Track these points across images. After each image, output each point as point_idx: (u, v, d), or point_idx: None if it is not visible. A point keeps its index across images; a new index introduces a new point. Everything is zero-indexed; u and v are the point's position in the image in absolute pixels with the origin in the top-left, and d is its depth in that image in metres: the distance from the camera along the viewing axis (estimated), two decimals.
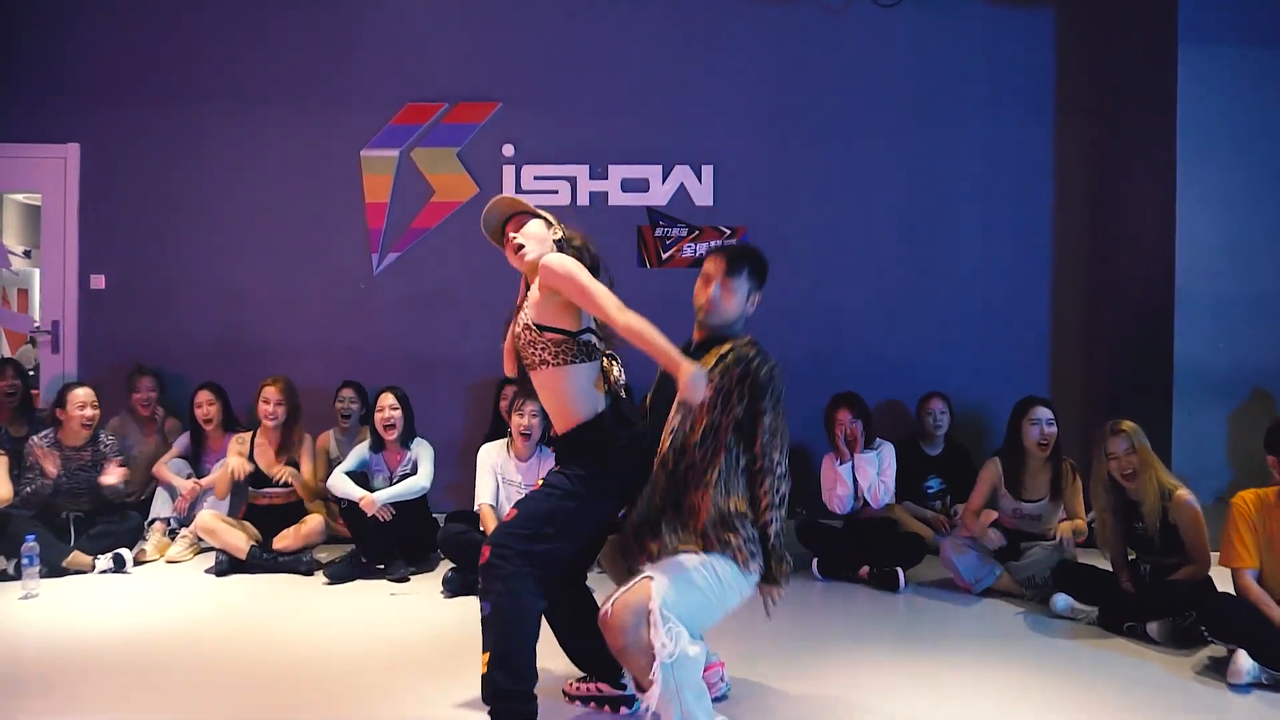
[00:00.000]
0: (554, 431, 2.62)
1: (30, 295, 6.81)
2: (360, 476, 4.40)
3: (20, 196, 6.09)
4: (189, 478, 4.78)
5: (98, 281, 5.53)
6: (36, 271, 6.43)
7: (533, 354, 2.51)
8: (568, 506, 2.44)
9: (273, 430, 4.54)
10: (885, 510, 4.41)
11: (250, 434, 4.59)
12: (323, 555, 4.49)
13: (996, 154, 5.48)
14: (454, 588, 3.97)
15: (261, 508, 4.54)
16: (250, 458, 4.51)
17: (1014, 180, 5.48)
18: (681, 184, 5.47)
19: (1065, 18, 5.45)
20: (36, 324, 5.63)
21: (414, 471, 4.42)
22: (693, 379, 2.24)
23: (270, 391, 4.53)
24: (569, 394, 2.50)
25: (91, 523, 4.37)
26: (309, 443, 4.70)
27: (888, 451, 4.40)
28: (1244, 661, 2.95)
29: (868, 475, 4.30)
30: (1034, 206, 5.49)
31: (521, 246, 2.56)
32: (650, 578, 2.31)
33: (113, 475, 4.39)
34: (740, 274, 2.61)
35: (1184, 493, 3.51)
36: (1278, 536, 3.11)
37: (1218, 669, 3.08)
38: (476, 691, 2.50)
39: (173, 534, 4.67)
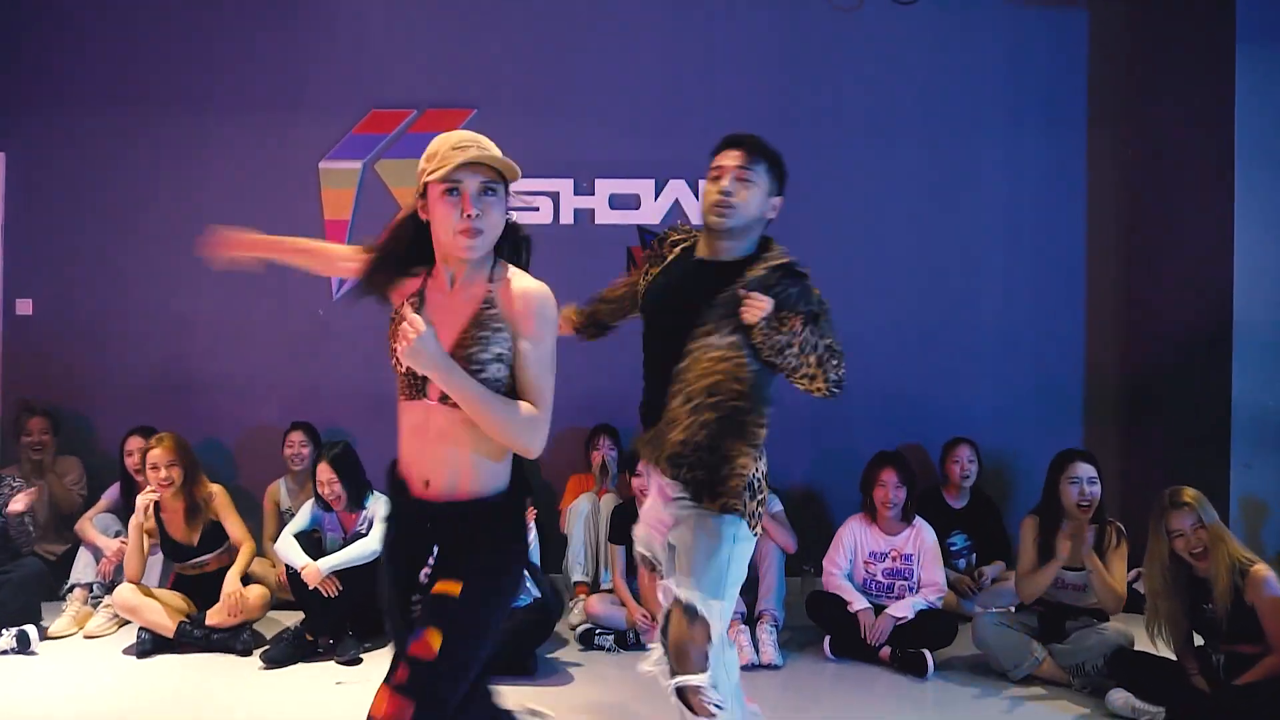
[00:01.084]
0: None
1: None
2: (312, 536, 3.96)
3: None
4: (117, 535, 4.29)
5: (24, 307, 5.15)
6: None
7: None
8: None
9: (170, 497, 3.94)
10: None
11: (150, 504, 4.00)
12: (273, 628, 3.98)
13: (1023, 168, 5.16)
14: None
15: (191, 577, 4.02)
16: (161, 528, 3.97)
17: (1042, 198, 5.16)
18: (676, 200, 5.11)
19: (1101, 18, 5.12)
20: None
21: (370, 531, 3.93)
22: None
23: (156, 454, 3.88)
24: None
25: None
26: (223, 497, 4.05)
27: (928, 536, 3.97)
28: None
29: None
30: (1065, 228, 5.16)
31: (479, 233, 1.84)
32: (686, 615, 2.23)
33: (19, 501, 4.01)
34: (759, 165, 2.35)
35: (1262, 568, 3.08)
36: None
37: None
38: None
39: (95, 601, 4.16)
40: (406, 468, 1.93)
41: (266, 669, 3.63)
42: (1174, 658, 3.24)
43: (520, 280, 1.89)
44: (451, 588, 1.80)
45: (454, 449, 1.85)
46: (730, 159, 2.33)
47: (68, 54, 5.14)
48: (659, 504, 2.40)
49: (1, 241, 5.09)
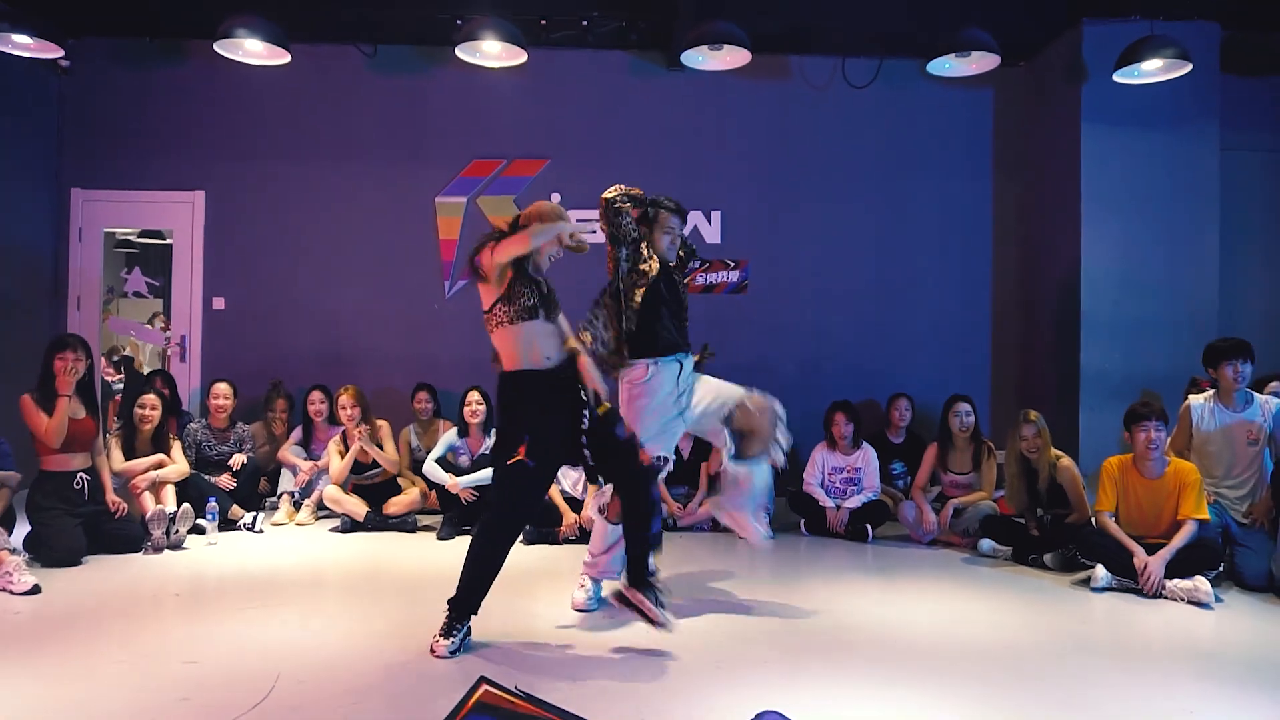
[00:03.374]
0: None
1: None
2: (445, 459, 5.61)
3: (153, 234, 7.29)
4: (305, 460, 6.00)
5: (218, 303, 6.72)
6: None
7: None
8: None
9: (354, 427, 5.64)
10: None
11: (342, 434, 5.75)
12: (425, 522, 5.68)
13: (947, 205, 6.83)
14: (531, 538, 5.19)
15: (364, 487, 5.73)
16: (346, 449, 5.68)
17: (960, 226, 6.85)
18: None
19: (1000, 96, 6.83)
20: (168, 338, 6.85)
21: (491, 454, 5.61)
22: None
23: (344, 399, 5.61)
24: None
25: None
26: (387, 430, 5.74)
27: (871, 454, 5.61)
28: (1101, 572, 4.23)
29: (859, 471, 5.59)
30: (977, 247, 6.86)
31: None
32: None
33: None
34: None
35: (1066, 460, 4.80)
36: (1129, 489, 4.40)
37: (1087, 581, 4.32)
38: (548, 606, 3.83)
39: (297, 504, 5.85)
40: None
41: (442, 540, 5.26)
42: (1019, 520, 4.99)
43: None
44: (606, 405, 3.31)
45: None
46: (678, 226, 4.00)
47: (250, 115, 6.68)
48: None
49: (202, 256, 6.72)
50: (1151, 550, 4.20)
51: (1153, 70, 5.40)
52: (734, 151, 6.80)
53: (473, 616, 3.30)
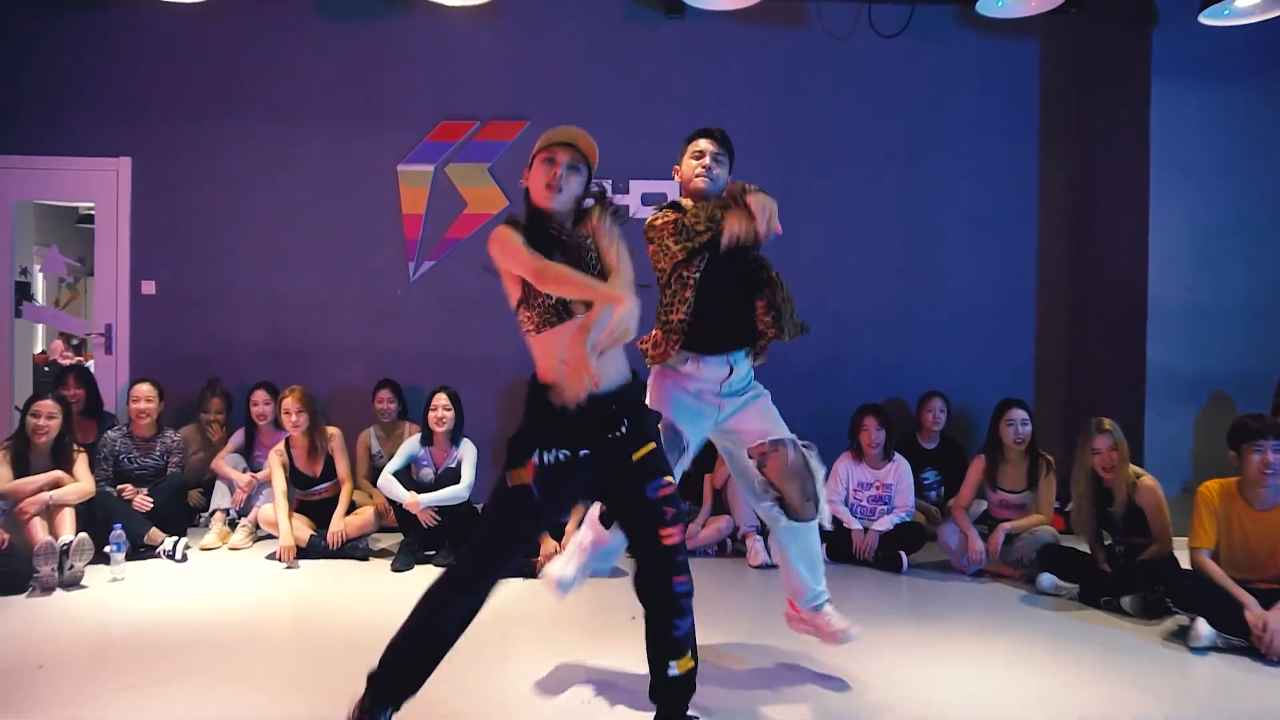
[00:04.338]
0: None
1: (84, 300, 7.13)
2: (405, 471, 4.78)
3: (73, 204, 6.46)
4: (244, 471, 5.18)
5: (148, 287, 5.88)
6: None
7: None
8: None
9: (300, 436, 4.84)
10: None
11: (285, 441, 4.92)
12: (380, 543, 4.89)
13: (985, 174, 5.98)
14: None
15: (311, 503, 4.91)
16: (290, 462, 4.86)
17: (1001, 199, 6.00)
18: None
19: (1049, 49, 5.96)
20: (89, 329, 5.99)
21: (458, 469, 4.79)
22: (629, 311, 2.25)
23: (288, 403, 4.78)
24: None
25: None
26: (340, 440, 4.96)
27: (905, 468, 4.84)
28: (1203, 628, 3.43)
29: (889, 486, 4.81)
30: (1019, 223, 6.01)
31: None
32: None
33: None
34: (725, 152, 3.05)
35: (1148, 479, 4.02)
36: (1234, 521, 3.60)
37: (1181, 635, 3.54)
38: (525, 659, 2.96)
39: (232, 524, 5.04)
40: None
41: (397, 572, 4.47)
42: (1086, 549, 4.20)
43: (594, 216, 2.49)
44: (669, 482, 2.42)
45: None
46: (710, 144, 3.01)
47: (181, 70, 5.82)
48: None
49: (129, 232, 5.84)
50: (1266, 600, 3.39)
51: (1248, 8, 4.52)
52: (741, 113, 5.90)
53: (406, 701, 2.40)
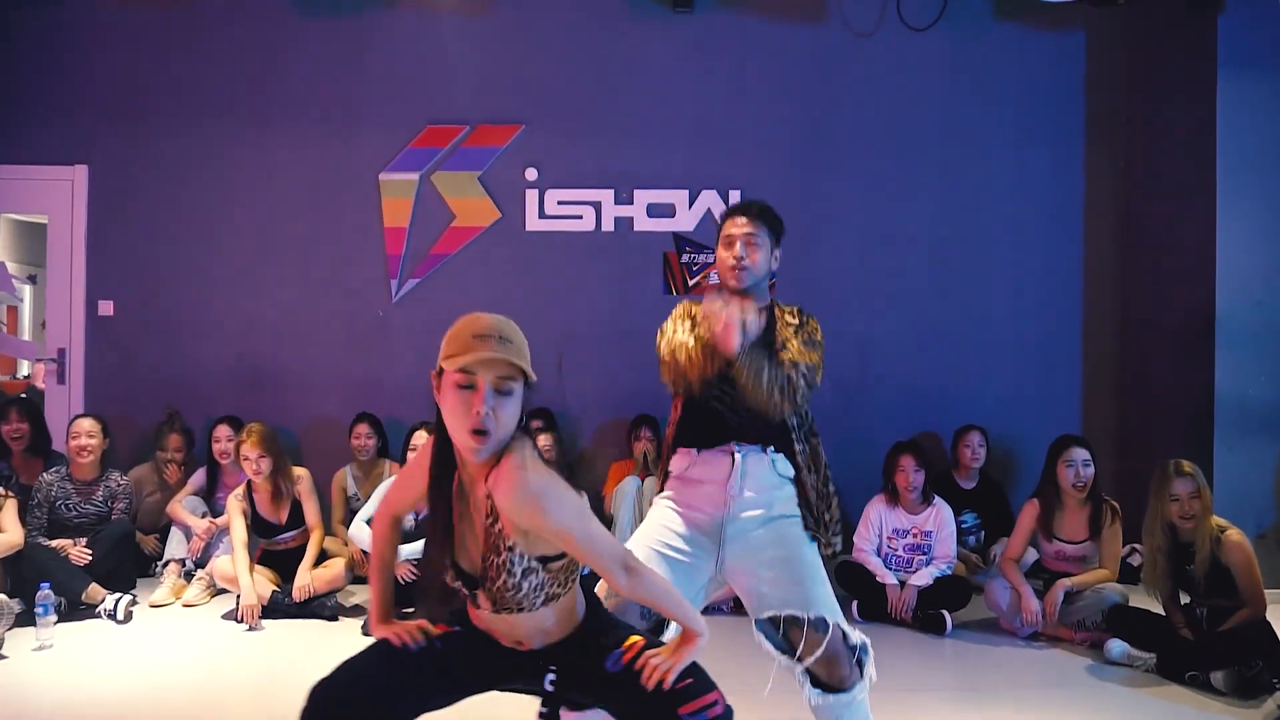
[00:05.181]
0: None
1: (20, 320, 6.64)
2: None
3: (25, 217, 5.96)
4: (204, 516, 4.66)
5: (106, 308, 5.39)
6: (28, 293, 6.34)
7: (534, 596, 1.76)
8: None
9: (261, 481, 4.30)
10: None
11: (246, 485, 4.38)
12: (353, 598, 4.36)
13: (1026, 179, 5.45)
14: None
15: (277, 553, 4.38)
16: (252, 509, 4.32)
17: (1044, 206, 5.46)
18: (709, 209, 5.39)
19: (1096, 41, 5.43)
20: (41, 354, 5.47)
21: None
22: (701, 639, 1.75)
23: (247, 448, 4.22)
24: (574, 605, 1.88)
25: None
26: (307, 482, 4.40)
27: (946, 514, 4.32)
28: None
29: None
30: (1065, 233, 5.47)
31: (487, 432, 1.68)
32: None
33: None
34: (762, 228, 2.49)
35: (1235, 533, 3.48)
36: None
37: None
38: None
39: (188, 575, 4.52)
40: (489, 630, 1.85)
41: (366, 635, 3.95)
42: (1162, 612, 3.63)
43: (509, 476, 1.66)
44: (633, 641, 1.80)
45: (528, 634, 1.82)
46: (738, 227, 2.47)
47: (143, 72, 5.35)
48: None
49: (85, 247, 5.35)
50: None
51: None
52: (756, 115, 5.42)
53: None
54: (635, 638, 1.81)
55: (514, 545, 1.69)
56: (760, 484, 2.38)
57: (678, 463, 2.47)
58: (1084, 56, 5.43)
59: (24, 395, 5.27)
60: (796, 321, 2.53)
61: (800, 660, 2.26)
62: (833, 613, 2.28)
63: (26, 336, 5.61)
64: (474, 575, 1.75)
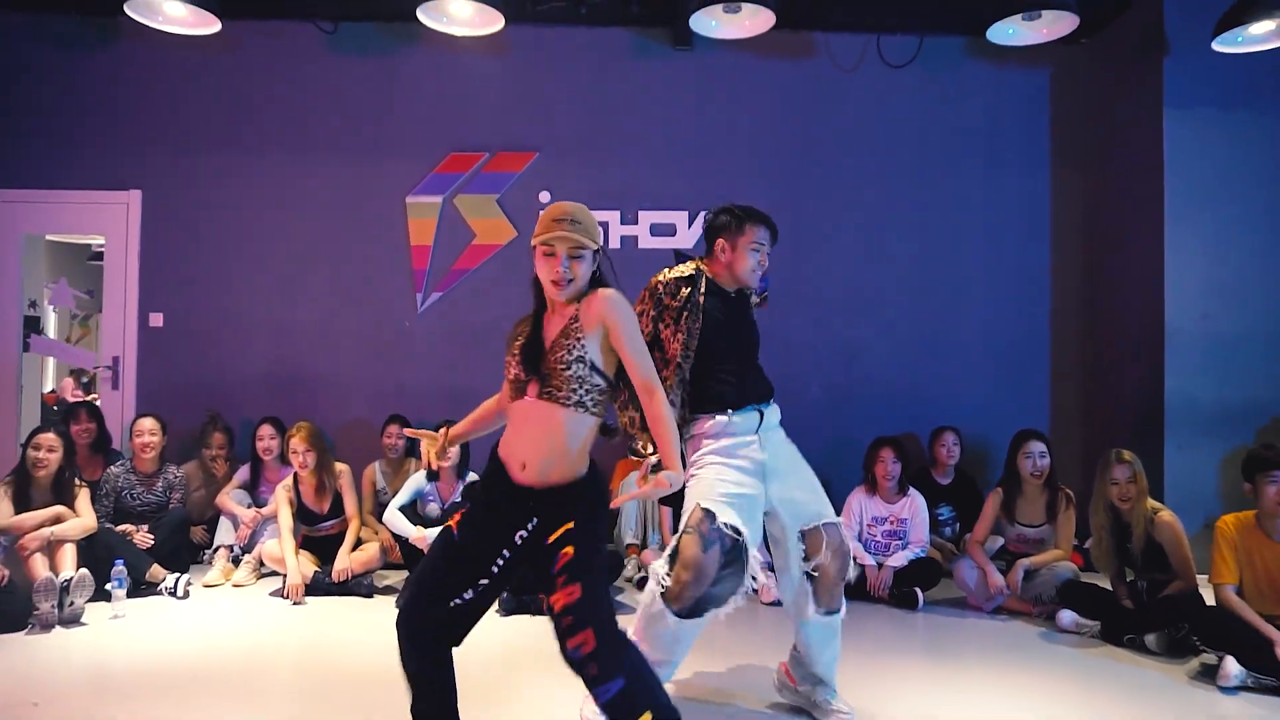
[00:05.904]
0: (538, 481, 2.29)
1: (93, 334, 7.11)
2: (410, 506, 4.75)
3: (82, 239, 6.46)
4: (249, 507, 5.12)
5: (156, 320, 5.85)
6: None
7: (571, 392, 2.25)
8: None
9: (307, 474, 4.75)
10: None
11: (293, 476, 4.85)
12: (385, 580, 4.81)
13: (998, 203, 5.93)
14: (509, 607, 4.31)
15: (316, 540, 4.83)
16: (298, 498, 4.78)
17: (1014, 227, 5.94)
18: None
19: (1060, 78, 5.93)
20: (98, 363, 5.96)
21: (464, 501, 4.75)
22: (674, 482, 2.20)
23: (296, 442, 4.69)
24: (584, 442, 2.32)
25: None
26: (348, 477, 4.87)
27: (920, 503, 4.74)
28: (1232, 667, 3.31)
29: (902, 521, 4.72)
30: (1033, 252, 5.94)
31: (569, 281, 2.28)
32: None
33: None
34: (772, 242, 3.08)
35: (1167, 514, 3.91)
36: (1255, 555, 3.50)
37: (1209, 674, 3.43)
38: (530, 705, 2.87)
39: (236, 560, 4.97)
40: (507, 454, 2.32)
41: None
42: (1108, 586, 4.09)
43: (595, 293, 2.28)
44: (568, 550, 2.20)
45: (547, 438, 2.24)
46: (768, 237, 3.01)
47: (191, 103, 5.83)
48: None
49: (138, 265, 5.83)
50: None
51: (1263, 34, 4.47)
52: (751, 143, 5.92)
53: None
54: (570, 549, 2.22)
55: (582, 339, 2.24)
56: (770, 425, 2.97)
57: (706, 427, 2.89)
58: (1049, 92, 5.92)
59: (91, 399, 5.73)
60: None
61: (812, 559, 2.87)
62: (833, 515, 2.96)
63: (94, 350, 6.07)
64: (536, 361, 2.27)
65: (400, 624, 2.30)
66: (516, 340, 2.35)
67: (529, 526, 2.26)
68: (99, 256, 7.52)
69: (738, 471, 2.84)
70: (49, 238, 6.72)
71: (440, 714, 2.35)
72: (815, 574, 2.88)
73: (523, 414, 2.29)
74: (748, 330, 3.07)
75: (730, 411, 2.89)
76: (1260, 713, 3.15)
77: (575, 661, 2.14)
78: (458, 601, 2.28)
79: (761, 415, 2.93)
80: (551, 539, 2.24)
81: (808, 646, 2.99)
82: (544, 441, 2.25)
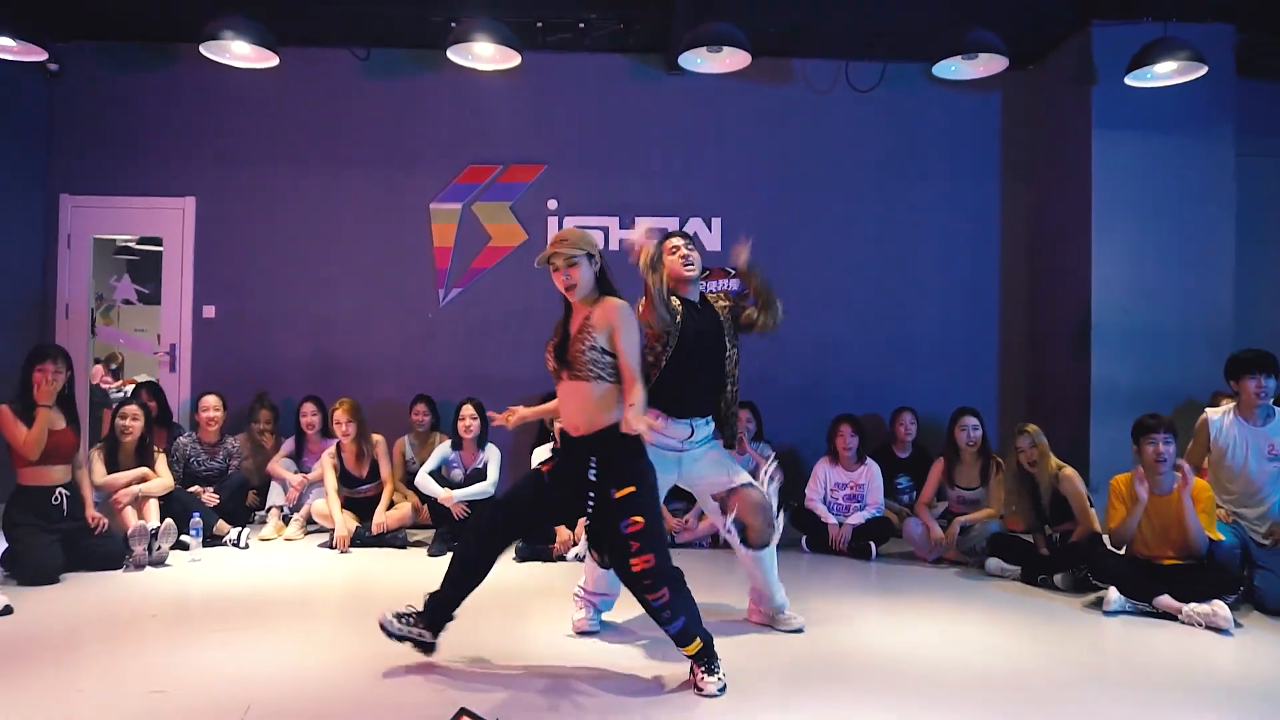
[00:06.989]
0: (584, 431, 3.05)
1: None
2: (437, 472, 5.47)
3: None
4: (296, 473, 5.87)
5: (209, 311, 6.58)
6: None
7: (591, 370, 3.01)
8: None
9: (349, 443, 5.52)
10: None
11: (336, 445, 5.61)
12: (415, 536, 5.56)
13: (953, 211, 6.67)
14: (524, 555, 5.06)
15: (356, 500, 5.58)
16: (340, 464, 5.53)
17: (967, 233, 6.68)
18: (695, 233, 6.56)
19: (1010, 100, 6.68)
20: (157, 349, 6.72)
21: (485, 469, 5.48)
22: (639, 415, 2.82)
23: (339, 414, 5.44)
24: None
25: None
26: (383, 446, 5.62)
27: (875, 471, 5.45)
28: (1113, 595, 4.06)
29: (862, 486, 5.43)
30: (984, 255, 6.69)
31: (572, 286, 3.03)
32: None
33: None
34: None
35: (1068, 470, 4.65)
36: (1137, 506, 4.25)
37: (1099, 604, 4.16)
38: (538, 626, 3.69)
39: (285, 519, 5.71)
40: (565, 422, 3.13)
41: (432, 558, 5.12)
42: (1028, 538, 4.82)
43: (605, 299, 3.04)
44: (627, 489, 2.94)
45: (582, 405, 3.02)
46: (683, 242, 3.68)
47: (241, 120, 6.55)
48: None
49: (193, 262, 6.58)
50: (1166, 573, 4.04)
51: (1166, 73, 5.23)
52: (735, 156, 6.67)
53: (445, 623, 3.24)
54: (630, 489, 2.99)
55: (594, 334, 2.98)
56: (700, 436, 3.64)
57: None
58: (999, 112, 6.67)
59: (150, 380, 6.47)
60: (728, 304, 3.80)
61: (738, 518, 3.58)
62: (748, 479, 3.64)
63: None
64: (563, 355, 3.03)
65: (481, 518, 3.22)
66: (550, 342, 3.14)
67: (592, 463, 3.00)
68: (124, 250, 8.30)
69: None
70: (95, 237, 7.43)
71: (458, 597, 3.19)
72: (739, 524, 3.60)
73: (565, 393, 3.10)
74: (710, 341, 3.61)
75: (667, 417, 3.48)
76: (1135, 632, 3.87)
77: (653, 609, 2.95)
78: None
79: (693, 429, 3.56)
80: (619, 495, 2.93)
81: (749, 570, 3.75)
82: (581, 407, 3.03)
